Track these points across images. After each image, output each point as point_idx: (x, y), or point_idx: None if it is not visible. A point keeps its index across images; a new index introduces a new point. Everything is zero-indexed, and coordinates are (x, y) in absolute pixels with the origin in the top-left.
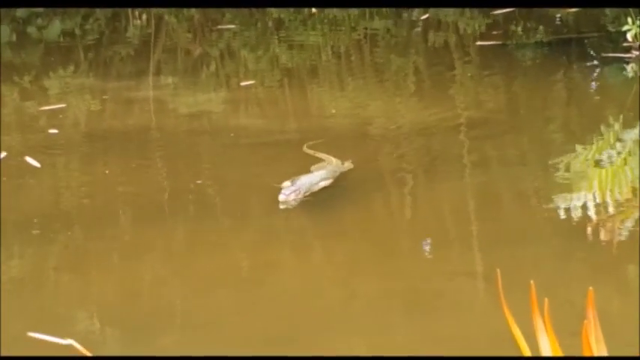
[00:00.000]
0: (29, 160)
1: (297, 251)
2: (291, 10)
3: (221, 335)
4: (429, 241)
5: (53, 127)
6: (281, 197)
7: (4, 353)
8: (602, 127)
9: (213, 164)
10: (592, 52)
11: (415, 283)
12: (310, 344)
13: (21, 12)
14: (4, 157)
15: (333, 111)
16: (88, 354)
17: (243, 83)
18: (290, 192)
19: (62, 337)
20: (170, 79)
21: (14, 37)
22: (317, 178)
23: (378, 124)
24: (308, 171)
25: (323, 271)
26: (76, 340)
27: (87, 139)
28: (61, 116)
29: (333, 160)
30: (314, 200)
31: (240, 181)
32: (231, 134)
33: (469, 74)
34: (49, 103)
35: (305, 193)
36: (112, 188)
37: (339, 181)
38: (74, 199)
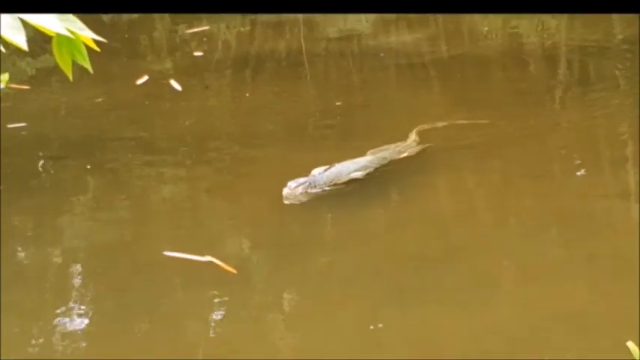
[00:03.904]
0: (173, 83)
1: (450, 172)
2: None
3: (373, 254)
4: (582, 161)
5: (199, 49)
6: (285, 191)
7: (144, 271)
8: None
9: (361, 86)
10: None
11: (568, 203)
12: (463, 264)
13: None
14: (146, 81)
15: (486, 29)
16: (231, 270)
17: None
18: (297, 185)
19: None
20: None
21: None
22: (353, 167)
23: (532, 42)
24: (454, 95)
25: (476, 191)
26: (224, 259)
27: (232, 62)
28: (205, 39)
29: (409, 140)
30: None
31: (386, 102)
32: (381, 54)
33: None
34: (196, 26)
35: (323, 185)
36: (257, 110)
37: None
38: (219, 122)
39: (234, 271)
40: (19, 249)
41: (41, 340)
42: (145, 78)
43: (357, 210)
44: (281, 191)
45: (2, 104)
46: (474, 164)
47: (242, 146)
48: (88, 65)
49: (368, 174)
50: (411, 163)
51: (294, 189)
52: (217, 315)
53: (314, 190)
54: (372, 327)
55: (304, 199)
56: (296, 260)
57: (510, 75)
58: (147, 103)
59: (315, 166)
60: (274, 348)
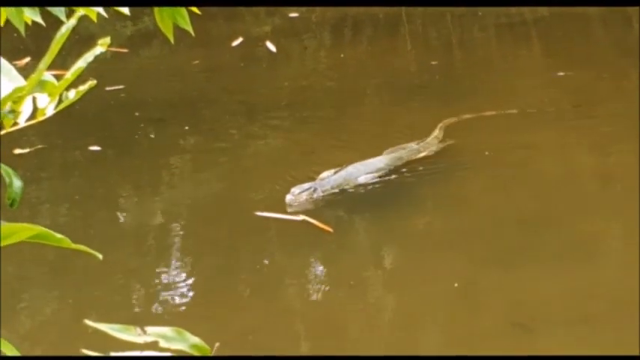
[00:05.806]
0: (268, 45)
1: (550, 130)
2: None
3: (472, 216)
4: None
5: (294, 11)
6: (288, 198)
7: (241, 231)
8: None
9: (460, 45)
10: None
11: None
12: (564, 225)
13: None
14: (241, 43)
15: None
16: (326, 228)
17: None
18: (301, 191)
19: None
20: None
21: None
22: (364, 169)
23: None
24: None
25: (577, 150)
26: (321, 219)
27: (329, 23)
28: None
29: (431, 136)
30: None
31: (485, 62)
32: (479, 13)
33: None
34: None
35: (330, 190)
36: (354, 71)
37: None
38: (315, 83)
39: (330, 229)
40: (119, 209)
41: (142, 300)
42: (240, 40)
43: (456, 172)
44: (382, 152)
45: (101, 67)
46: (575, 122)
47: (338, 107)
48: (189, 28)
49: (381, 177)
50: (510, 124)
51: (297, 195)
52: (314, 274)
53: (320, 196)
54: (467, 287)
55: (310, 206)
56: (393, 220)
57: (612, 32)
58: (242, 65)
59: (415, 127)
60: (372, 308)
